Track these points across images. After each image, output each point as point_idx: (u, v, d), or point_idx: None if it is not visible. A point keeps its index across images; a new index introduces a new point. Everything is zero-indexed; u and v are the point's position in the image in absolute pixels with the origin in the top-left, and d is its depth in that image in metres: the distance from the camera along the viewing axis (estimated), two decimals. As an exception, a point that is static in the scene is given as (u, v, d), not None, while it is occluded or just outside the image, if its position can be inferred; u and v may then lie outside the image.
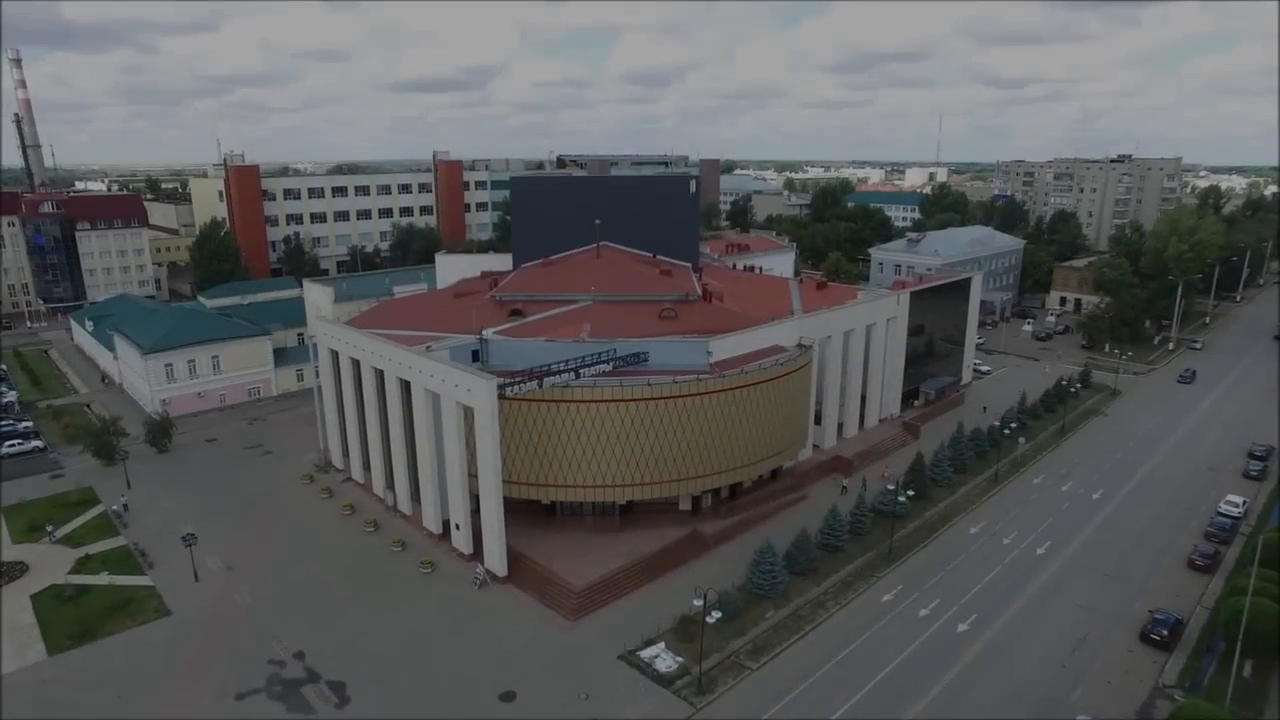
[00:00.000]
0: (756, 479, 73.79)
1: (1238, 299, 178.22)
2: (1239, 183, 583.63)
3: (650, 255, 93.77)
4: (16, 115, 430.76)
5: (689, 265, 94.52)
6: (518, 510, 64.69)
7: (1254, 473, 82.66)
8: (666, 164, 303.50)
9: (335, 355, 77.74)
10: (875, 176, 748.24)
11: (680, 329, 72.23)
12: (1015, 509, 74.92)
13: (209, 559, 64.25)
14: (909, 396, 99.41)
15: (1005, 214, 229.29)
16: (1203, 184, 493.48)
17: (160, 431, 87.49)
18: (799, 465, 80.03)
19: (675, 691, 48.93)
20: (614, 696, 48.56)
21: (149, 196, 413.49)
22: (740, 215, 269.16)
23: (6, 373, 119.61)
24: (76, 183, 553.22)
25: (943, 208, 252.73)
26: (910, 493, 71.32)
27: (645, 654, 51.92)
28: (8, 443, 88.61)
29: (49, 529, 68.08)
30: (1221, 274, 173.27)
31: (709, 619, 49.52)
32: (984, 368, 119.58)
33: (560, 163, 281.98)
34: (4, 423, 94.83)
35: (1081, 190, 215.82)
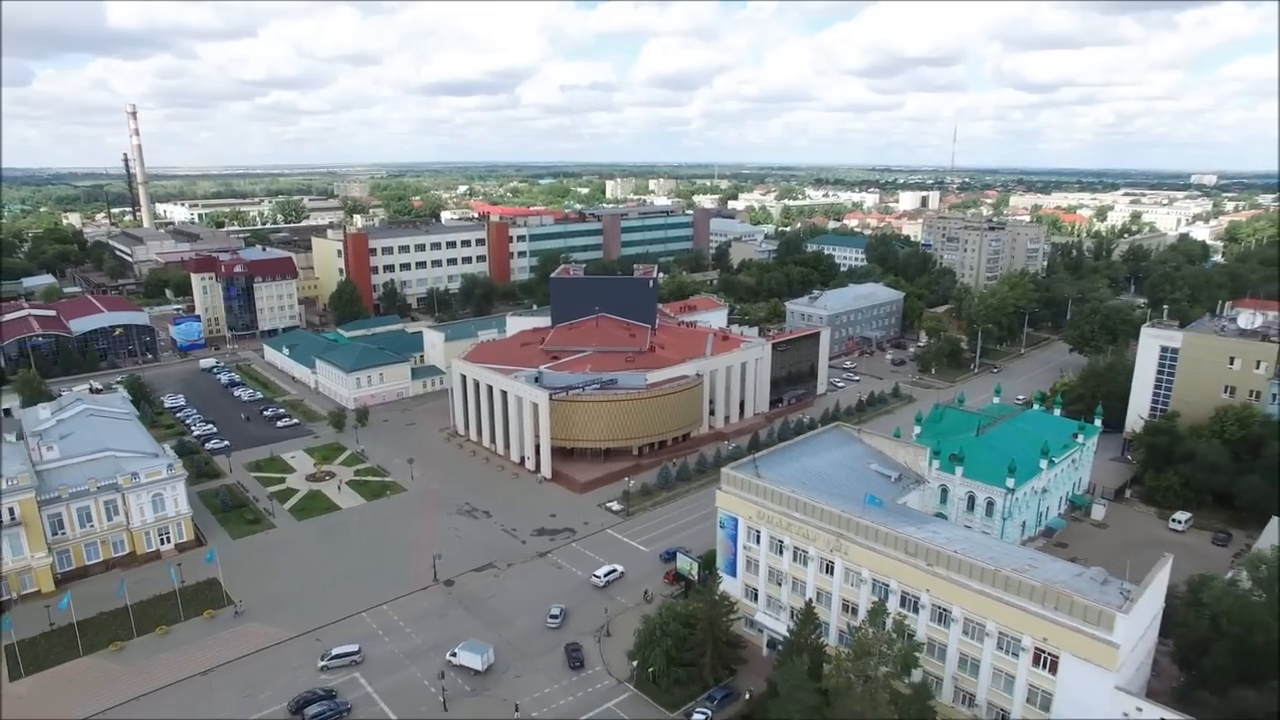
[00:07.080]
0: (672, 440, 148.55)
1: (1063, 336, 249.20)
2: (1203, 207, 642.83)
3: (626, 321, 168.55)
4: (125, 155, 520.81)
5: (648, 326, 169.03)
6: (555, 451, 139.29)
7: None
8: (668, 213, 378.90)
9: (464, 377, 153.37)
10: (870, 200, 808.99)
11: (635, 367, 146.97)
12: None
13: (415, 472, 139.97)
14: (777, 401, 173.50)
15: (920, 261, 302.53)
16: (1175, 209, 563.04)
17: (362, 416, 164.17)
18: (699, 436, 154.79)
19: (619, 515, 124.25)
20: (594, 518, 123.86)
21: (233, 225, 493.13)
22: (721, 258, 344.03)
23: (240, 380, 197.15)
24: (157, 205, 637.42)
25: (876, 257, 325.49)
26: (738, 446, 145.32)
27: (608, 504, 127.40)
28: (281, 420, 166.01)
29: (321, 471, 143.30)
30: (1056, 313, 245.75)
31: (630, 488, 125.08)
32: (839, 384, 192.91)
33: (581, 215, 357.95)
34: (269, 410, 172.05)
35: (965, 250, 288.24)
